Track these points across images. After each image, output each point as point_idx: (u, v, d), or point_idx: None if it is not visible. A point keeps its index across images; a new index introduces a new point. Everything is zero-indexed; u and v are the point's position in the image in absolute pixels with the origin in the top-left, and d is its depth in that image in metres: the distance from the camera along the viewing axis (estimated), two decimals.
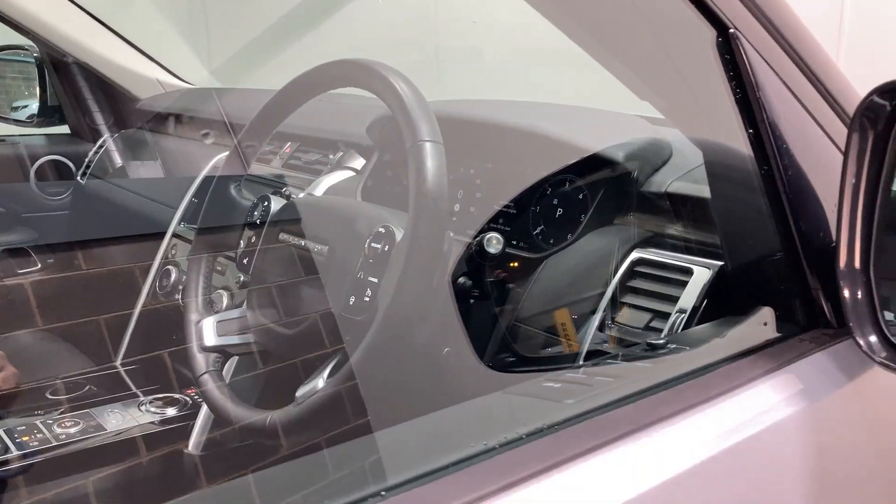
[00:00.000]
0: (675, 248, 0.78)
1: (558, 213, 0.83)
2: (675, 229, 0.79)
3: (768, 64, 0.59)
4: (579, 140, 0.83)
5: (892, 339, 0.54)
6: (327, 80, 0.82)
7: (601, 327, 0.76)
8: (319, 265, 0.79)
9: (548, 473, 0.41)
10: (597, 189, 0.82)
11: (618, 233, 0.81)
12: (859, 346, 0.54)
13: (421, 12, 2.39)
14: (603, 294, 0.77)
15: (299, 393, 0.74)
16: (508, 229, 0.83)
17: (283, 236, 0.84)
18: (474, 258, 0.77)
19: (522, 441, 0.42)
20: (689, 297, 0.73)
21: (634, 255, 0.78)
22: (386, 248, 0.73)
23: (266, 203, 0.88)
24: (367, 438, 0.60)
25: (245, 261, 0.87)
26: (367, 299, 0.73)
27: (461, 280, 0.76)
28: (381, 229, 0.74)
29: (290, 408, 0.74)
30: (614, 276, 0.78)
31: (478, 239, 0.77)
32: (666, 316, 0.73)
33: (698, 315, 0.71)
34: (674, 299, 0.74)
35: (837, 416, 0.56)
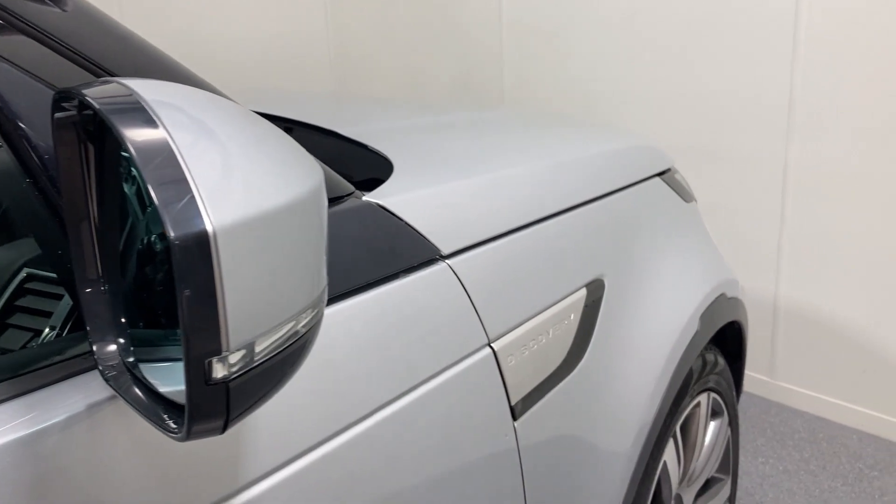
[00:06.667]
0: None
1: None
2: None
3: None
4: None
5: (121, 352, 0.53)
6: None
7: None
8: None
9: None
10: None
11: (20, 247, 0.76)
12: (94, 359, 0.53)
13: None
14: None
15: None
16: None
17: None
18: None
19: None
20: (61, 311, 0.70)
21: (25, 271, 0.73)
22: None
23: None
24: None
25: None
26: None
27: None
28: None
29: None
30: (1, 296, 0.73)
31: None
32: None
33: (67, 329, 0.68)
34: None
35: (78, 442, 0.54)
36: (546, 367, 0.97)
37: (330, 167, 0.99)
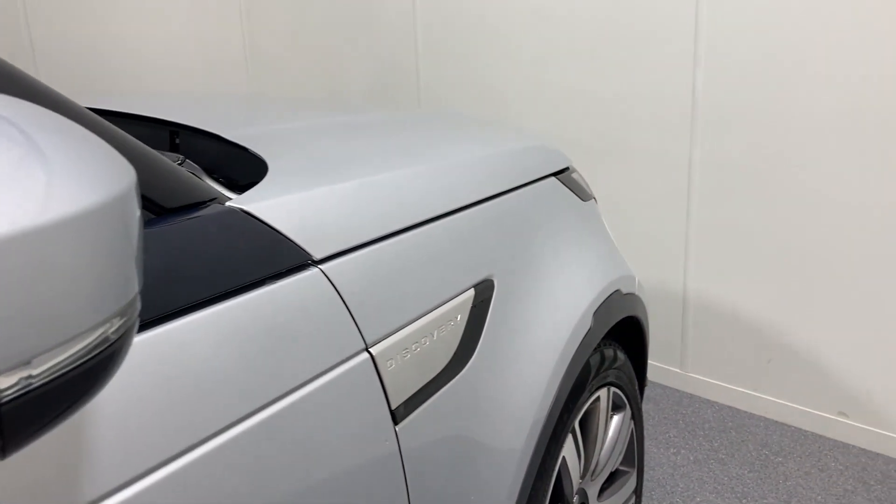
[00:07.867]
0: None
1: None
2: None
3: None
4: None
5: None
6: None
7: None
8: None
9: None
10: None
11: None
12: None
13: None
14: None
15: None
16: None
17: None
18: None
19: None
20: None
21: None
22: None
23: None
24: None
25: None
26: None
27: None
28: None
29: None
30: None
31: None
32: None
33: None
34: None
35: None
36: (430, 369, 0.97)
37: (207, 170, 0.97)
